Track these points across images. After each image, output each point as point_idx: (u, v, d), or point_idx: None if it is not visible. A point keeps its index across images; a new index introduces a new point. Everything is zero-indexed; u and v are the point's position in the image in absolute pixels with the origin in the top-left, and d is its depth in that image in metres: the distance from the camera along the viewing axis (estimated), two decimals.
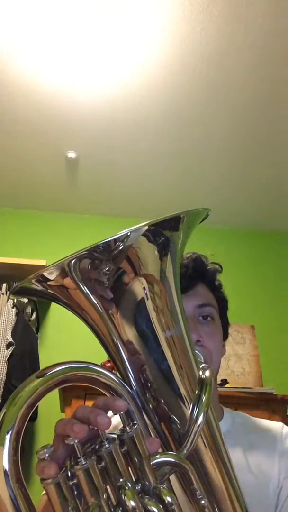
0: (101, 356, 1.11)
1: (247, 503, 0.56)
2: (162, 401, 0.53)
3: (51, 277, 0.47)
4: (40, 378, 0.44)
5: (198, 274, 0.86)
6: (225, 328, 0.91)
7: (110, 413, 0.48)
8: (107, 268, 0.47)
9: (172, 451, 0.51)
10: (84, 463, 0.42)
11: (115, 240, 0.46)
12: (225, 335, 0.91)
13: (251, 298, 2.84)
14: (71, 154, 2.44)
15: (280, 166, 2.55)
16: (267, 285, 2.97)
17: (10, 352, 2.20)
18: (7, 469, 0.40)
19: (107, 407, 0.47)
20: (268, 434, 0.85)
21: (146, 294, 0.51)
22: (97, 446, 0.44)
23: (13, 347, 2.22)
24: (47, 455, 0.42)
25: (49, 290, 0.49)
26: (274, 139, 2.36)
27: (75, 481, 0.42)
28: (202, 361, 0.56)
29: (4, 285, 2.46)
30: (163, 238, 0.50)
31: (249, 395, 2.08)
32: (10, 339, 2.25)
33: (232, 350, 2.44)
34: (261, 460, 0.80)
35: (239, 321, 2.57)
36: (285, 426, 0.88)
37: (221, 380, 2.23)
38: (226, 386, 2.18)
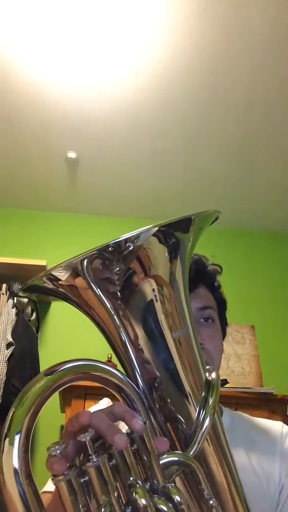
0: (101, 356, 1.11)
1: (250, 502, 0.56)
2: (169, 401, 0.53)
3: (62, 275, 0.47)
4: (49, 376, 0.44)
5: (199, 276, 0.86)
6: (223, 328, 0.92)
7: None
8: (118, 268, 0.47)
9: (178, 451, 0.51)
10: (95, 460, 0.41)
11: (126, 240, 0.46)
12: (224, 335, 0.92)
13: (251, 298, 2.84)
14: (71, 154, 2.45)
15: (284, 166, 2.55)
16: (267, 285, 2.97)
17: (10, 352, 2.20)
18: (17, 467, 0.41)
19: (123, 420, 0.46)
20: (268, 433, 0.85)
21: (155, 295, 0.51)
22: (107, 444, 0.44)
23: (13, 347, 2.22)
24: (58, 451, 0.41)
25: (59, 289, 0.49)
26: (278, 139, 2.36)
27: (86, 478, 0.42)
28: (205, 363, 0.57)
29: (4, 285, 2.45)
30: (173, 240, 0.50)
31: (249, 395, 2.08)
32: (10, 339, 2.24)
33: (232, 350, 2.44)
34: (263, 459, 0.81)
35: (239, 321, 2.57)
36: (285, 425, 0.88)
37: (221, 380, 2.22)
38: (226, 386, 2.18)
